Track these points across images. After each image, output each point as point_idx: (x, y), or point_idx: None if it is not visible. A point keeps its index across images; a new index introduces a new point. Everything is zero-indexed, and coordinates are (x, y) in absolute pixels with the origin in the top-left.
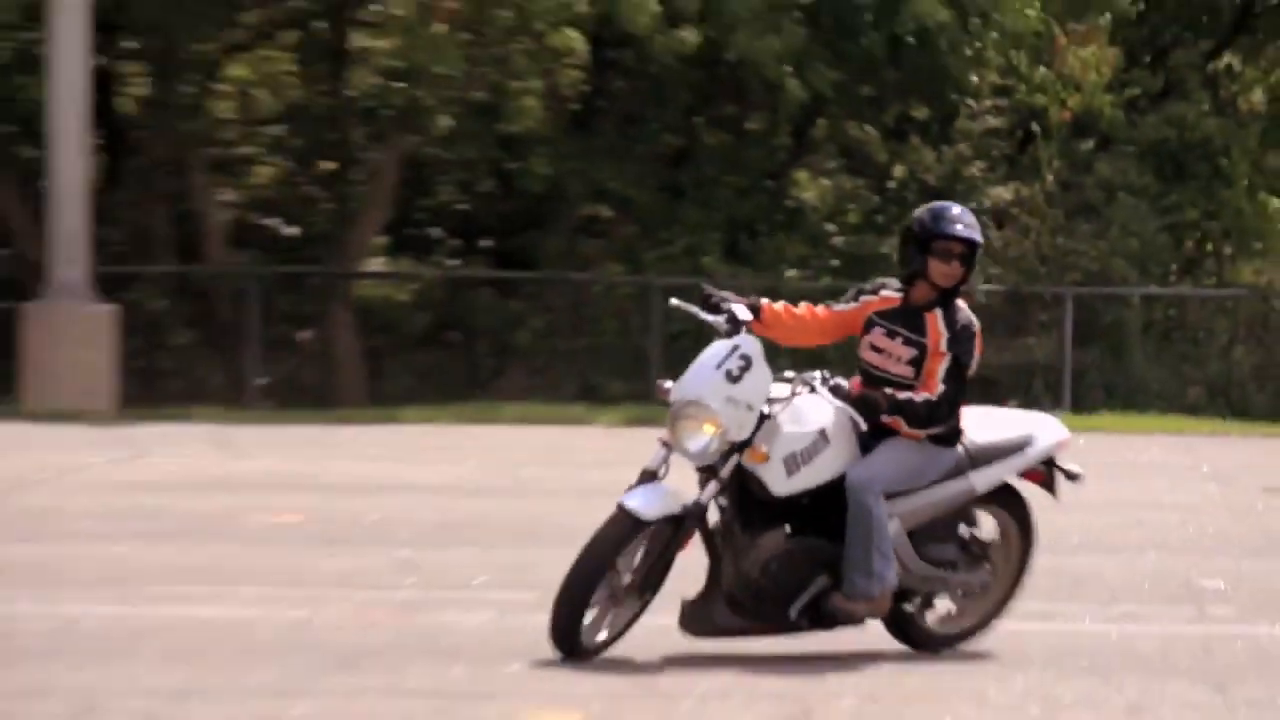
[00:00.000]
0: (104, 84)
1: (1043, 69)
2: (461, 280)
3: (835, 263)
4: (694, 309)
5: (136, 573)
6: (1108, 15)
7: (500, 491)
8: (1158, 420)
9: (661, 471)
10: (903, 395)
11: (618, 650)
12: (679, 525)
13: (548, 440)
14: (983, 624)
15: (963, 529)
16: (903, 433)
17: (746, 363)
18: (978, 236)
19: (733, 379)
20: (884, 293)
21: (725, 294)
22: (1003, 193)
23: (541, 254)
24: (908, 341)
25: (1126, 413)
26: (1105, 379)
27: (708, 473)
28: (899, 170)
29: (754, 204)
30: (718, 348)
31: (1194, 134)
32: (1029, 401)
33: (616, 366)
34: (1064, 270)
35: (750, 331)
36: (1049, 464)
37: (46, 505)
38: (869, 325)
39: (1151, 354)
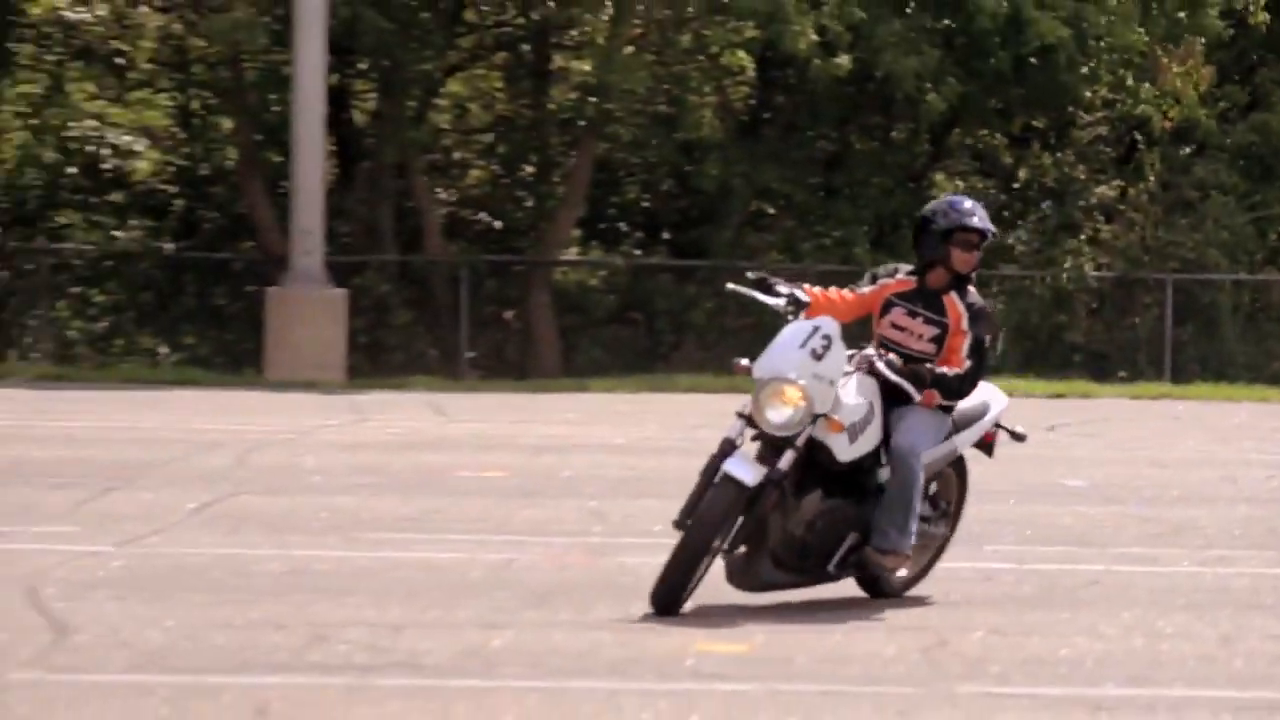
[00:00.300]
0: (339, 99)
1: (1147, 84)
2: (644, 268)
3: None
4: (752, 292)
5: (360, 521)
6: (1202, 40)
7: (676, 450)
8: (1246, 390)
9: (739, 442)
10: (939, 369)
11: (792, 593)
12: (763, 491)
13: (718, 406)
14: (925, 571)
15: (933, 486)
16: (918, 402)
17: (828, 342)
18: (992, 228)
19: (817, 357)
20: (899, 276)
21: (777, 279)
22: (1109, 191)
23: (713, 245)
24: (929, 321)
25: (1218, 383)
26: (1200, 353)
27: (771, 444)
28: (1022, 173)
29: (897, 202)
30: (799, 328)
31: (1278, 140)
32: (1135, 373)
33: None
34: (1164, 259)
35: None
36: (998, 426)
37: (284, 462)
38: (888, 306)
39: (1240, 332)
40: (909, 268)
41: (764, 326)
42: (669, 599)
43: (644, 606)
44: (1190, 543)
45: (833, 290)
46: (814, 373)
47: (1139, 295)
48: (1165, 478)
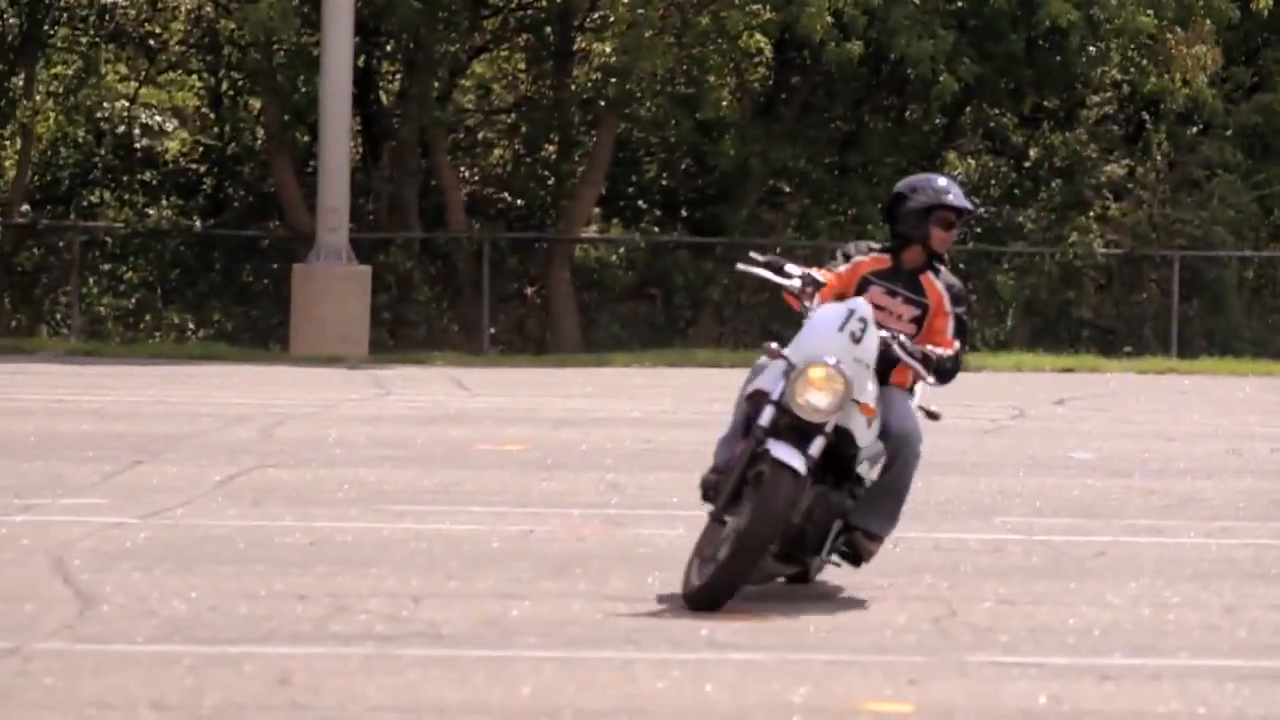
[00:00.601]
0: (365, 79)
1: (1155, 65)
2: (663, 244)
3: (979, 230)
4: (764, 272)
5: (382, 493)
6: (1209, 22)
7: (693, 424)
8: (1251, 364)
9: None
10: (938, 351)
11: None
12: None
13: (734, 380)
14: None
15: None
16: (892, 382)
17: (864, 325)
18: (970, 205)
19: (855, 340)
20: (873, 254)
21: (784, 260)
22: (1118, 170)
23: (730, 222)
24: (909, 300)
25: (1224, 357)
26: (1206, 329)
27: (797, 430)
28: (1033, 151)
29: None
30: (835, 310)
31: (1278, 122)
32: (1142, 348)
33: (792, 318)
34: (1171, 236)
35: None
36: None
37: (308, 435)
38: (864, 284)
39: (1245, 308)
40: (879, 245)
41: (779, 304)
42: (713, 602)
43: (659, 577)
44: (1196, 514)
45: (825, 271)
46: (854, 356)
47: (1146, 272)
48: (1171, 451)
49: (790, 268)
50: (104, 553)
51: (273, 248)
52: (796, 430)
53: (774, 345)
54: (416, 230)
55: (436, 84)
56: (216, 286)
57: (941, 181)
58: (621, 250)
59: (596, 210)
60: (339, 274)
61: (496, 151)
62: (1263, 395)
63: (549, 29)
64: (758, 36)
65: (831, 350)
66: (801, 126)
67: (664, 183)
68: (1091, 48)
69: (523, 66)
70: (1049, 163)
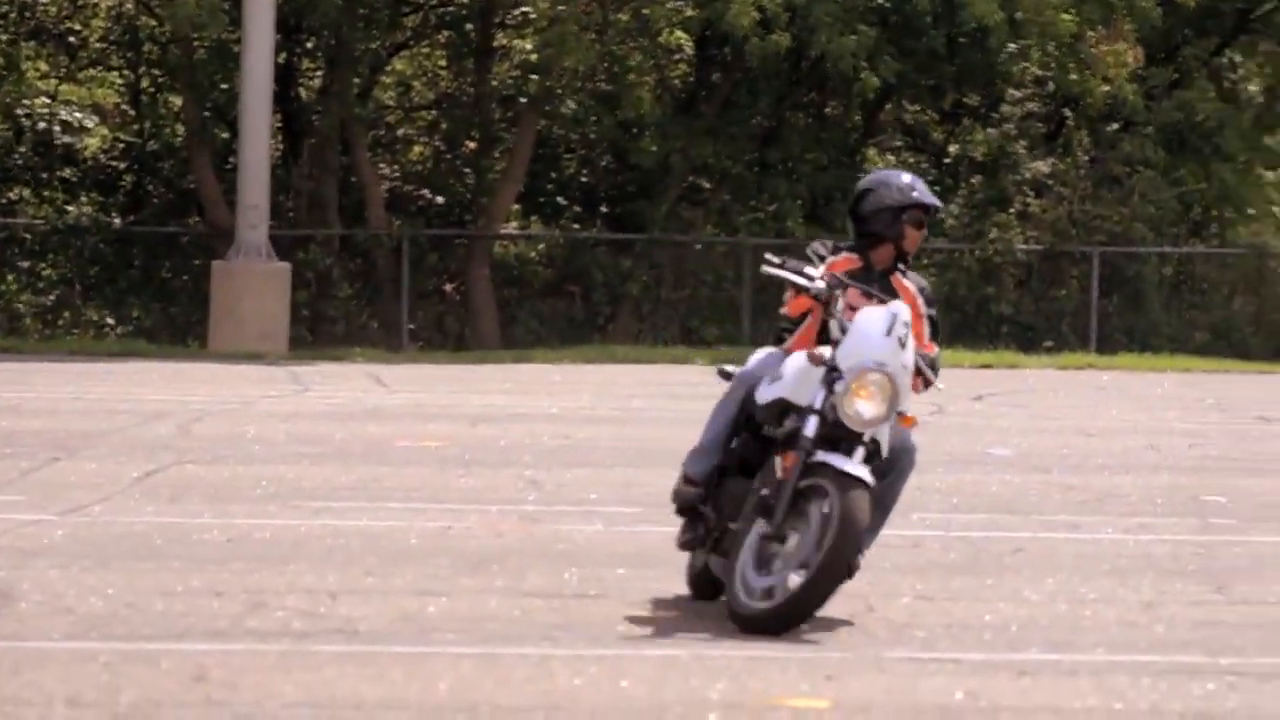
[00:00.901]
0: (286, 76)
1: (1076, 63)
2: (582, 241)
3: None
4: (786, 274)
5: (300, 490)
6: (1131, 22)
7: (612, 420)
8: (1169, 360)
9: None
10: (928, 356)
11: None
12: None
13: (653, 377)
14: None
15: None
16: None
17: (907, 330)
18: (940, 203)
19: (901, 345)
20: (844, 254)
21: (802, 262)
22: (1040, 166)
23: (650, 219)
24: (884, 303)
25: (1143, 354)
26: (1125, 325)
27: (830, 441)
28: (953, 148)
29: (831, 176)
30: (879, 315)
31: (1198, 117)
32: (1060, 343)
33: (712, 314)
34: (1091, 232)
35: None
36: None
37: (227, 432)
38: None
39: (1164, 304)
40: (844, 244)
41: (698, 300)
42: (785, 628)
43: (576, 573)
44: (1114, 510)
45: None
46: (902, 363)
47: (1066, 268)
48: (1090, 446)
49: (809, 270)
50: (21, 550)
51: (192, 244)
52: (836, 440)
53: (821, 351)
54: (336, 227)
55: (357, 81)
56: (135, 283)
57: (906, 178)
58: (541, 247)
59: (516, 207)
60: (258, 271)
61: (417, 148)
62: (1181, 391)
63: (470, 26)
64: (679, 33)
65: (882, 356)
66: (722, 123)
67: (584, 179)
68: (1012, 45)
69: (443, 63)
70: (969, 159)
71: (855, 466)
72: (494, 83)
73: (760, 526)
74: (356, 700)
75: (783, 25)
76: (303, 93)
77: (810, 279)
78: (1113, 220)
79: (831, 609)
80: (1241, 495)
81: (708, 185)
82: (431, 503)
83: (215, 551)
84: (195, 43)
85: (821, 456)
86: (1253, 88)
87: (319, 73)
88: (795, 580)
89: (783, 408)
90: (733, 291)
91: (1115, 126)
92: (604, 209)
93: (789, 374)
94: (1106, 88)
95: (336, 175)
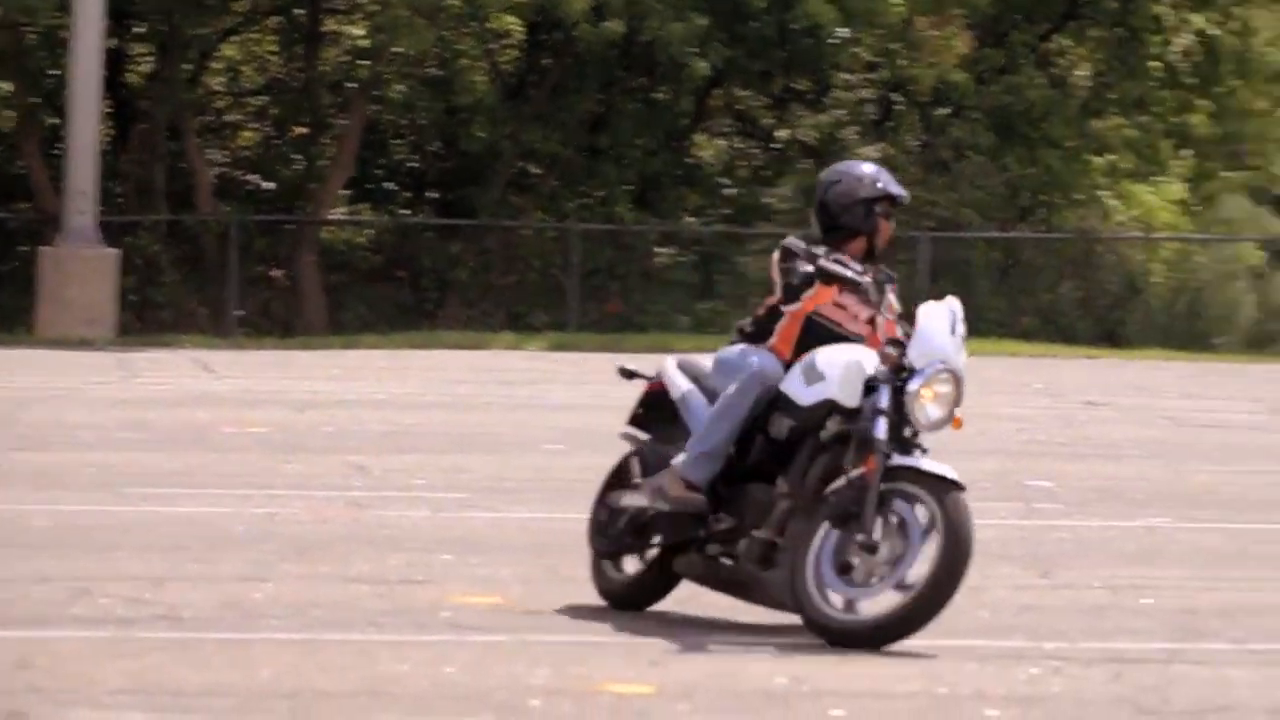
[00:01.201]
0: (115, 61)
1: (906, 47)
2: (411, 226)
3: (727, 211)
4: (842, 269)
5: (126, 476)
6: (960, 8)
7: (439, 406)
8: (997, 344)
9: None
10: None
11: (547, 547)
12: None
13: (481, 362)
14: None
15: None
16: None
17: (965, 328)
18: (905, 192)
19: (962, 344)
20: (825, 250)
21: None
22: (870, 152)
23: (479, 204)
24: (863, 301)
25: (971, 338)
26: None
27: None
28: (783, 133)
29: (660, 162)
30: (939, 311)
31: (1026, 103)
32: None
33: (539, 300)
34: (920, 217)
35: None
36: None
37: (52, 418)
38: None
39: (993, 288)
40: (814, 238)
41: (525, 285)
42: (899, 638)
43: (402, 559)
44: None
45: None
46: (964, 362)
47: (894, 252)
48: None
49: (853, 264)
50: None
51: (20, 230)
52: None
53: (893, 350)
54: (165, 213)
55: (188, 66)
56: None
57: (870, 168)
58: (369, 232)
59: (346, 192)
60: (86, 257)
61: (246, 134)
62: (1008, 375)
63: (299, 11)
64: (508, 18)
65: (950, 356)
66: (551, 109)
67: (413, 165)
68: (843, 32)
69: (273, 49)
70: (800, 144)
71: (947, 469)
72: (324, 68)
73: (834, 533)
74: (178, 687)
75: (615, 11)
76: (133, 78)
77: (860, 275)
78: (941, 205)
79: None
80: (1067, 480)
81: (537, 171)
82: (257, 489)
83: (40, 538)
84: (25, 28)
85: (900, 460)
86: (1081, 74)
87: (149, 58)
88: (895, 596)
89: (829, 409)
90: (561, 278)
91: (945, 112)
92: (433, 195)
93: (834, 374)
94: (935, 71)
95: (165, 161)
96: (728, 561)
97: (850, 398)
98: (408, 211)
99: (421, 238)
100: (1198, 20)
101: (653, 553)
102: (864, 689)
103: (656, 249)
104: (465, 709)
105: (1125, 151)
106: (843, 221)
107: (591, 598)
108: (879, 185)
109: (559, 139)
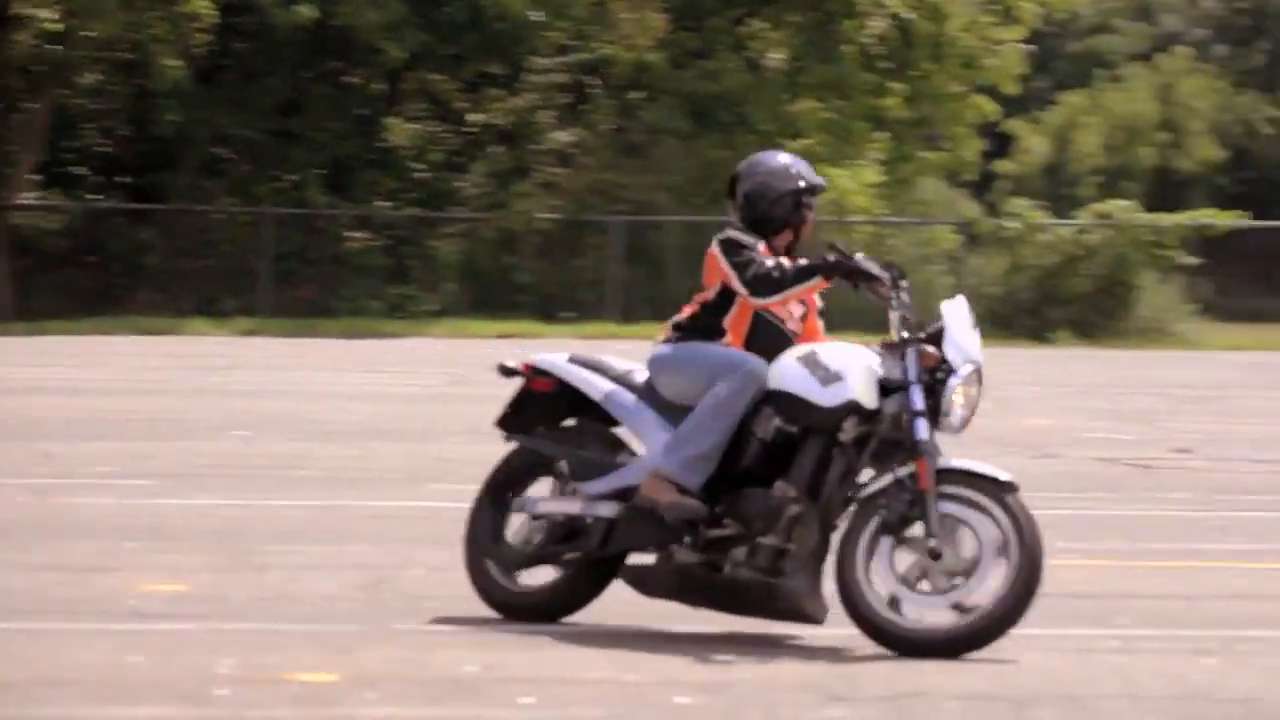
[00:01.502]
0: None
1: (600, 29)
2: (101, 211)
3: (419, 195)
4: (867, 264)
5: None
6: None
7: (128, 392)
8: None
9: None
10: None
11: (235, 534)
12: None
13: (172, 348)
14: None
15: None
16: None
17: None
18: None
19: (980, 339)
20: (760, 245)
21: (856, 252)
22: (563, 136)
23: (170, 189)
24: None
25: (664, 322)
26: (648, 293)
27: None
28: (476, 117)
29: (352, 146)
30: (958, 307)
31: (722, 87)
32: (584, 312)
33: (231, 285)
34: (613, 201)
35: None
36: None
37: None
38: None
39: (686, 272)
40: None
41: (217, 270)
42: (977, 648)
43: (88, 547)
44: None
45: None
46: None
47: (587, 237)
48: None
49: (874, 261)
50: None
51: None
52: (897, 443)
53: (934, 350)
54: None
55: None
56: None
57: (786, 158)
58: (58, 217)
59: (36, 177)
60: None
61: None
62: None
63: None
64: (202, 1)
65: (977, 354)
66: (244, 93)
67: (105, 150)
68: (535, 15)
69: None
70: (492, 128)
71: (1001, 471)
72: (11, 52)
73: (885, 538)
74: None
75: None
76: None
77: (882, 268)
78: (634, 189)
79: (344, 581)
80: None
81: (229, 155)
82: None
83: None
84: None
85: (963, 464)
86: (777, 57)
87: None
88: (954, 613)
89: (849, 410)
90: (253, 262)
91: (640, 95)
92: (125, 179)
93: (853, 373)
94: (631, 55)
95: None
96: (716, 572)
97: (871, 399)
98: (99, 196)
99: (112, 222)
100: (893, 3)
101: (572, 561)
102: (553, 676)
103: (348, 233)
104: (149, 698)
105: (821, 135)
106: (774, 214)
107: (282, 585)
108: (800, 177)
109: (251, 123)
